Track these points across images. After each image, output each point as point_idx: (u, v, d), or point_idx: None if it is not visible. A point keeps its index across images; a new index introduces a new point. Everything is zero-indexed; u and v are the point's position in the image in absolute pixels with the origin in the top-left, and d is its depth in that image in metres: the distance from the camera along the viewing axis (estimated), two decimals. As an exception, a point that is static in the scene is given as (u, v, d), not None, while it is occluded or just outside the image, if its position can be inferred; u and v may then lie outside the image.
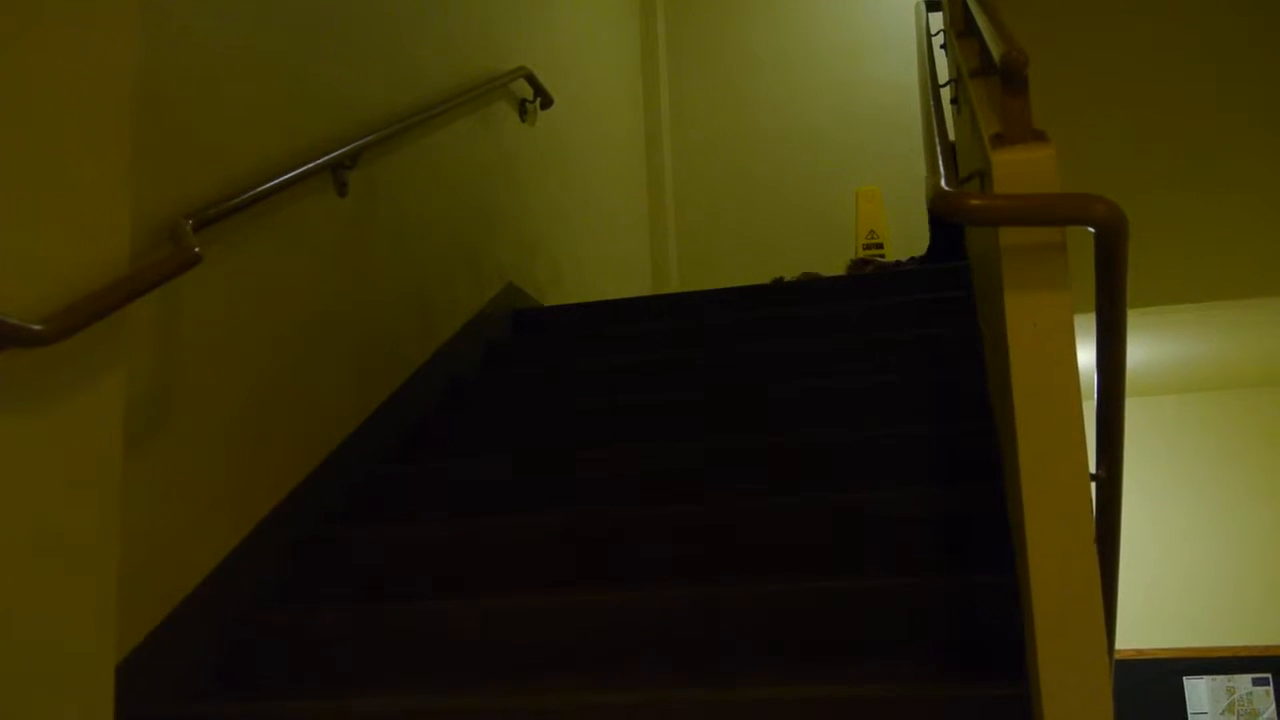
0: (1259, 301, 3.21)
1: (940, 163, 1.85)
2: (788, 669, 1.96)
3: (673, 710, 1.77)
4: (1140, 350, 4.27)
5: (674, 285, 6.05)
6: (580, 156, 5.01)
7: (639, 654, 2.04)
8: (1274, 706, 5.04)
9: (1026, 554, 1.43)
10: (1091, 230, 1.40)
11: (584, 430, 2.88)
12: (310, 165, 2.62)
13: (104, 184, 1.64)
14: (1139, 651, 5.18)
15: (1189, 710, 5.10)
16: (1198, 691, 5.11)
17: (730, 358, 3.10)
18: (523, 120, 4.29)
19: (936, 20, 4.03)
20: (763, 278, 4.41)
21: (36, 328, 1.48)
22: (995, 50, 1.63)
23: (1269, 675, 5.07)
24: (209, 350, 2.28)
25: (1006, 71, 1.55)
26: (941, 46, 3.66)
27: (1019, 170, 1.49)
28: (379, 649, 2.16)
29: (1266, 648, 5.10)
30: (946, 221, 4.26)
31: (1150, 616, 5.21)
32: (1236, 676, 5.09)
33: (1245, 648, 5.12)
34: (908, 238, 5.44)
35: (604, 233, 5.28)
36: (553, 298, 4.39)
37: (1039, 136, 1.51)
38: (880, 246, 5.32)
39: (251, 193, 2.37)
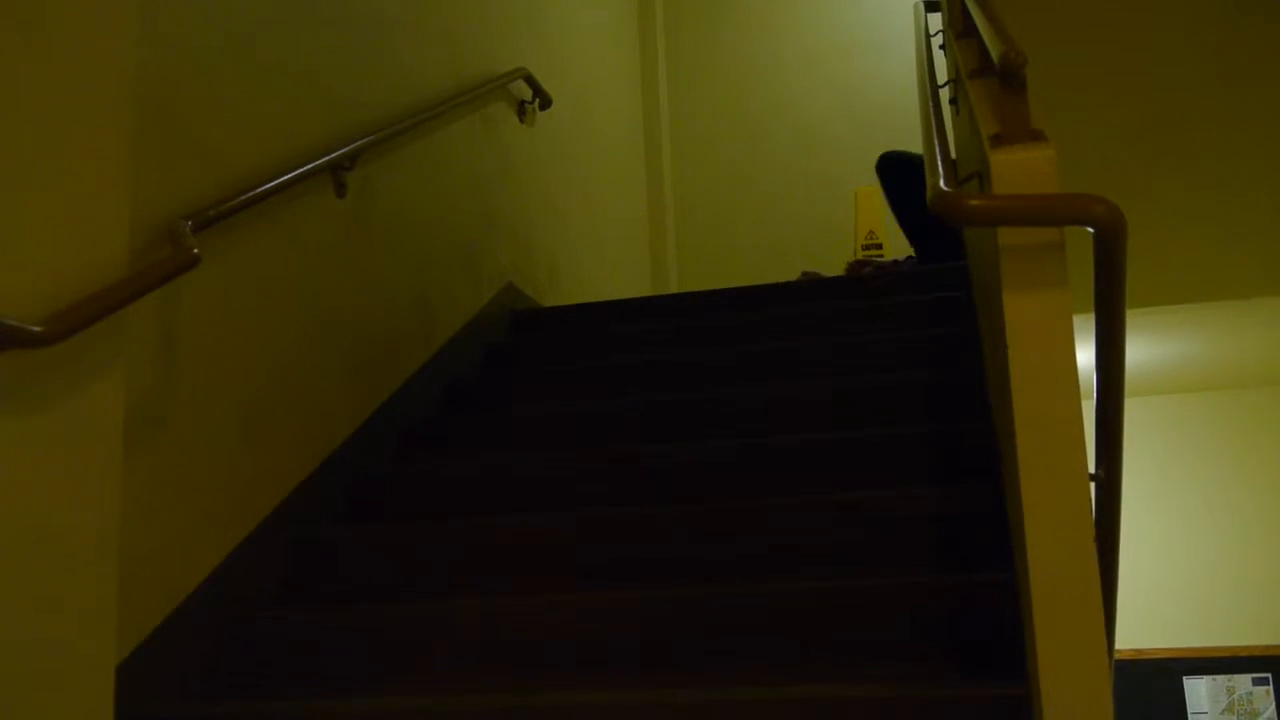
0: (1259, 301, 3.21)
1: (939, 163, 1.85)
2: (787, 669, 1.96)
3: (673, 710, 1.77)
4: (1139, 350, 4.27)
5: (673, 286, 6.05)
6: (579, 157, 5.01)
7: (639, 654, 2.04)
8: (1274, 706, 5.04)
9: (1026, 554, 1.43)
10: (1090, 230, 1.40)
11: (584, 431, 2.88)
12: (309, 166, 2.62)
13: (103, 185, 1.64)
14: (1139, 651, 5.18)
15: (1189, 710, 5.10)
16: (1197, 691, 5.11)
17: (732, 358, 3.10)
18: (521, 121, 4.29)
19: (935, 21, 4.03)
20: (762, 278, 4.41)
21: (36, 329, 1.48)
22: (994, 50, 1.63)
23: (1269, 675, 5.08)
24: (208, 351, 2.28)
25: (1005, 72, 1.56)
26: (940, 47, 3.66)
27: (1018, 170, 1.49)
28: (379, 649, 2.16)
29: (1266, 647, 5.10)
30: (936, 221, 4.26)
31: (1150, 616, 5.21)
32: (1236, 676, 5.09)
33: (1245, 647, 5.12)
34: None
35: (603, 233, 5.29)
36: (551, 298, 4.39)
37: (1038, 137, 1.51)
38: (879, 247, 5.32)
39: (250, 194, 2.37)
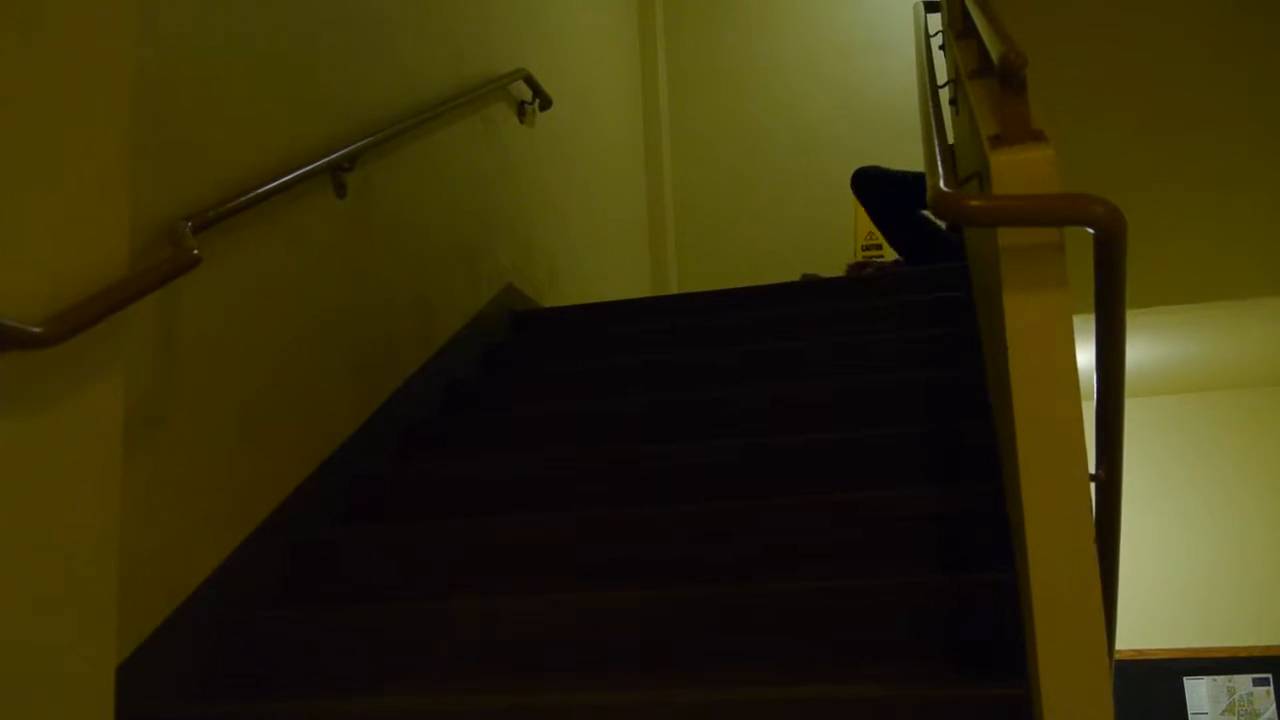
0: (1259, 301, 3.20)
1: (939, 164, 1.85)
2: (787, 669, 1.96)
3: (673, 710, 1.77)
4: (1139, 350, 4.27)
5: (673, 287, 6.05)
6: (579, 158, 5.01)
7: (639, 654, 2.04)
8: (1274, 707, 5.04)
9: (1026, 554, 1.43)
10: (1090, 231, 1.40)
11: (584, 431, 2.88)
12: (309, 167, 2.62)
13: (103, 185, 1.64)
14: (1139, 652, 5.18)
15: (1189, 710, 5.10)
16: (1198, 692, 5.11)
17: (732, 358, 3.10)
18: (521, 122, 4.29)
19: (935, 21, 4.03)
20: (763, 279, 4.40)
21: (36, 330, 1.48)
22: (993, 51, 1.63)
23: (1269, 675, 5.07)
24: (208, 351, 2.28)
25: (1005, 72, 1.56)
26: (940, 47, 3.66)
27: (1017, 171, 1.49)
28: (379, 649, 2.16)
29: (1267, 648, 5.10)
30: (919, 230, 4.30)
31: (1150, 617, 5.21)
32: (1237, 677, 5.09)
33: (1245, 648, 5.12)
34: (907, 238, 5.42)
35: (603, 234, 5.28)
36: (551, 299, 4.39)
37: (1037, 137, 1.51)
38: (879, 248, 5.32)
39: (250, 195, 2.37)
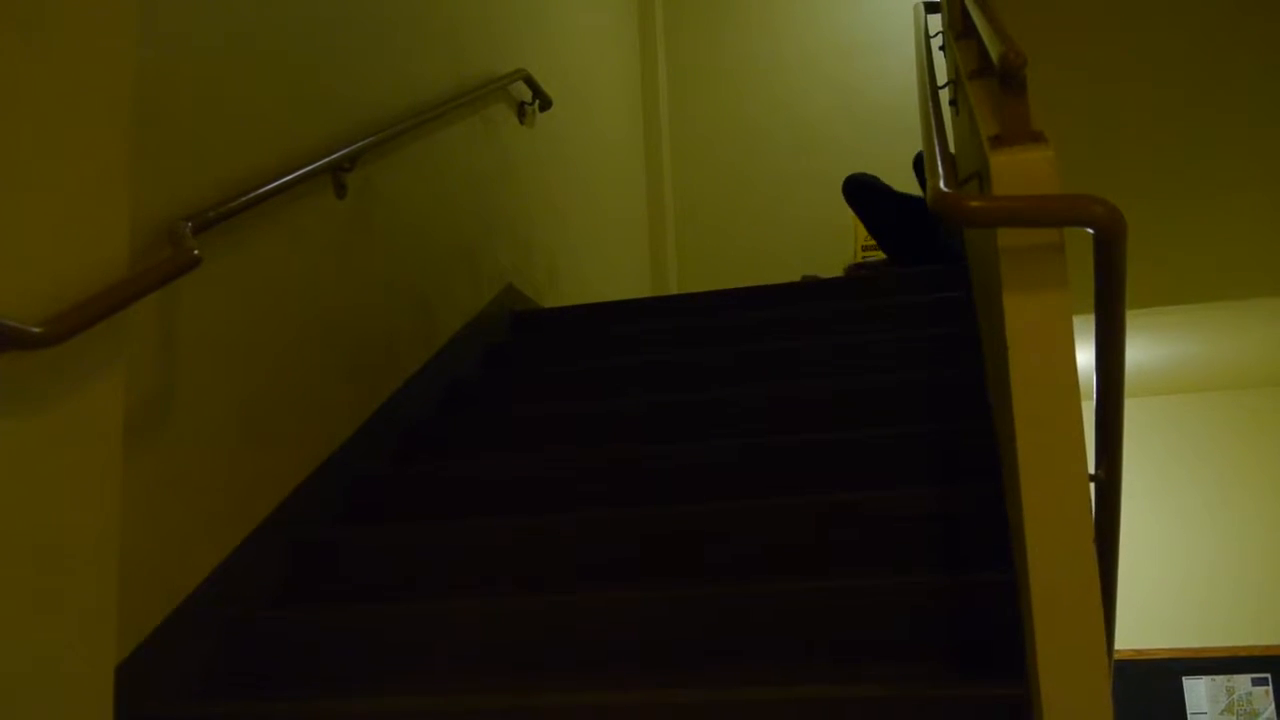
0: (1258, 302, 3.21)
1: (939, 164, 1.85)
2: (787, 669, 1.96)
3: (673, 710, 1.77)
4: (1139, 351, 4.27)
5: (673, 287, 6.05)
6: (579, 158, 5.01)
7: (639, 654, 2.04)
8: (1273, 706, 5.04)
9: (1026, 554, 1.43)
10: (1090, 231, 1.40)
11: (584, 431, 2.88)
12: (309, 168, 2.62)
13: (103, 185, 1.64)
14: (1138, 652, 5.18)
15: (1188, 710, 5.10)
16: (1197, 692, 5.12)
17: (732, 358, 3.10)
18: (521, 122, 4.29)
19: (935, 22, 4.03)
20: (763, 279, 4.40)
21: (36, 330, 1.48)
22: (993, 51, 1.63)
23: (1268, 675, 5.08)
24: (209, 352, 2.28)
25: (1005, 73, 1.56)
26: (940, 48, 3.66)
27: (1017, 171, 1.49)
28: (380, 649, 2.16)
29: (1266, 648, 5.10)
30: (911, 234, 4.33)
31: (1149, 617, 5.21)
32: (1236, 676, 5.10)
33: (1244, 648, 5.12)
34: (907, 239, 5.42)
35: (603, 234, 5.29)
36: (551, 299, 4.39)
37: (1037, 138, 1.51)
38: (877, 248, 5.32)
39: (250, 195, 2.37)
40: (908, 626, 1.95)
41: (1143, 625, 5.19)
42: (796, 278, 4.71)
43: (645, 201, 6.14)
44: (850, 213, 5.62)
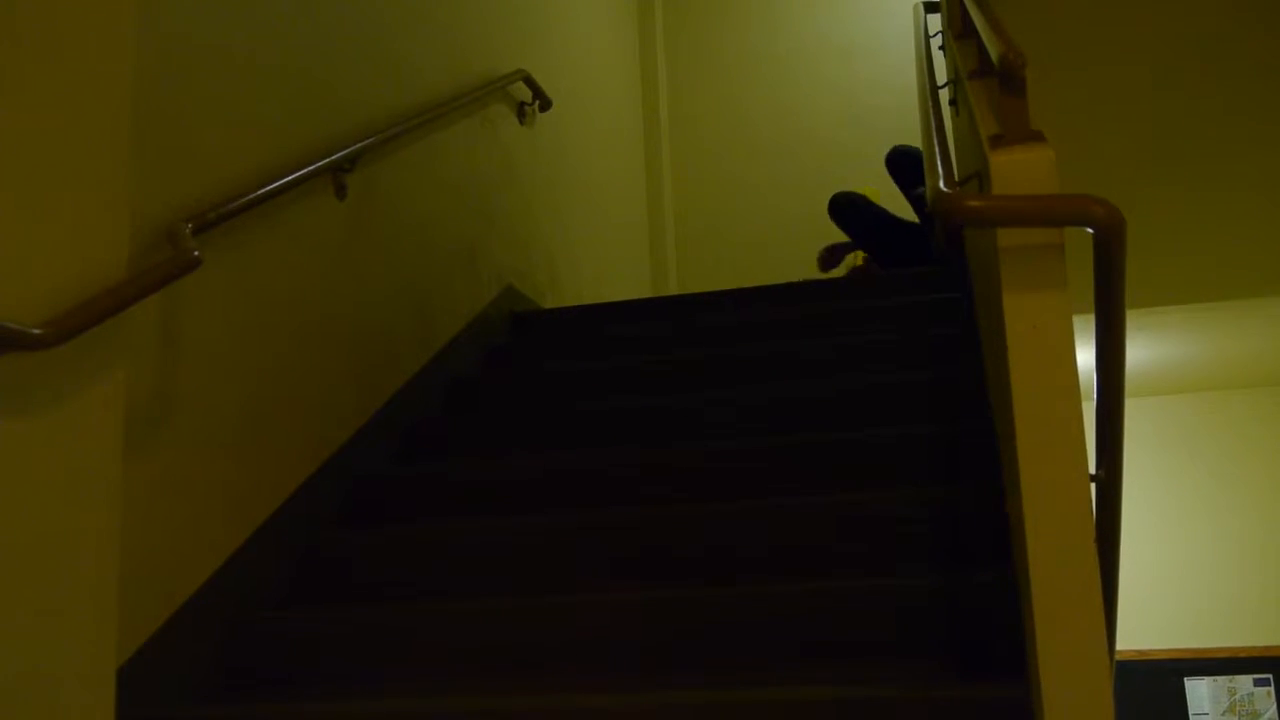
0: (1259, 302, 3.21)
1: (939, 164, 1.85)
2: (786, 669, 1.96)
3: (673, 711, 1.77)
4: (1139, 351, 4.27)
5: (673, 288, 6.05)
6: (579, 159, 5.01)
7: (640, 655, 2.04)
8: (1275, 707, 5.04)
9: (1026, 554, 1.43)
10: (1090, 231, 1.40)
11: (585, 431, 2.88)
12: (309, 168, 2.62)
13: (103, 187, 1.64)
14: (1140, 652, 5.18)
15: (1190, 711, 5.10)
16: (1199, 692, 5.11)
17: (732, 358, 3.10)
18: (521, 123, 4.29)
19: (935, 22, 4.03)
20: (763, 280, 4.40)
21: (36, 331, 1.48)
22: (993, 51, 1.63)
23: (1270, 676, 5.07)
24: (209, 353, 2.28)
25: (1004, 72, 1.56)
26: (940, 48, 3.67)
27: (1017, 171, 1.49)
28: (380, 651, 2.16)
29: (1267, 648, 5.10)
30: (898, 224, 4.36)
31: (1151, 617, 5.21)
32: (1237, 677, 5.09)
33: (1246, 648, 5.12)
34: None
35: (602, 235, 5.29)
36: (551, 300, 4.39)
37: (1037, 137, 1.51)
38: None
39: (250, 196, 2.37)
40: (908, 626, 1.95)
41: (1144, 626, 5.19)
42: (797, 277, 4.70)
43: (645, 202, 6.14)
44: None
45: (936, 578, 2.00)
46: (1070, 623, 1.37)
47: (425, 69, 3.47)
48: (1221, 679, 5.10)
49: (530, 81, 4.29)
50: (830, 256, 4.62)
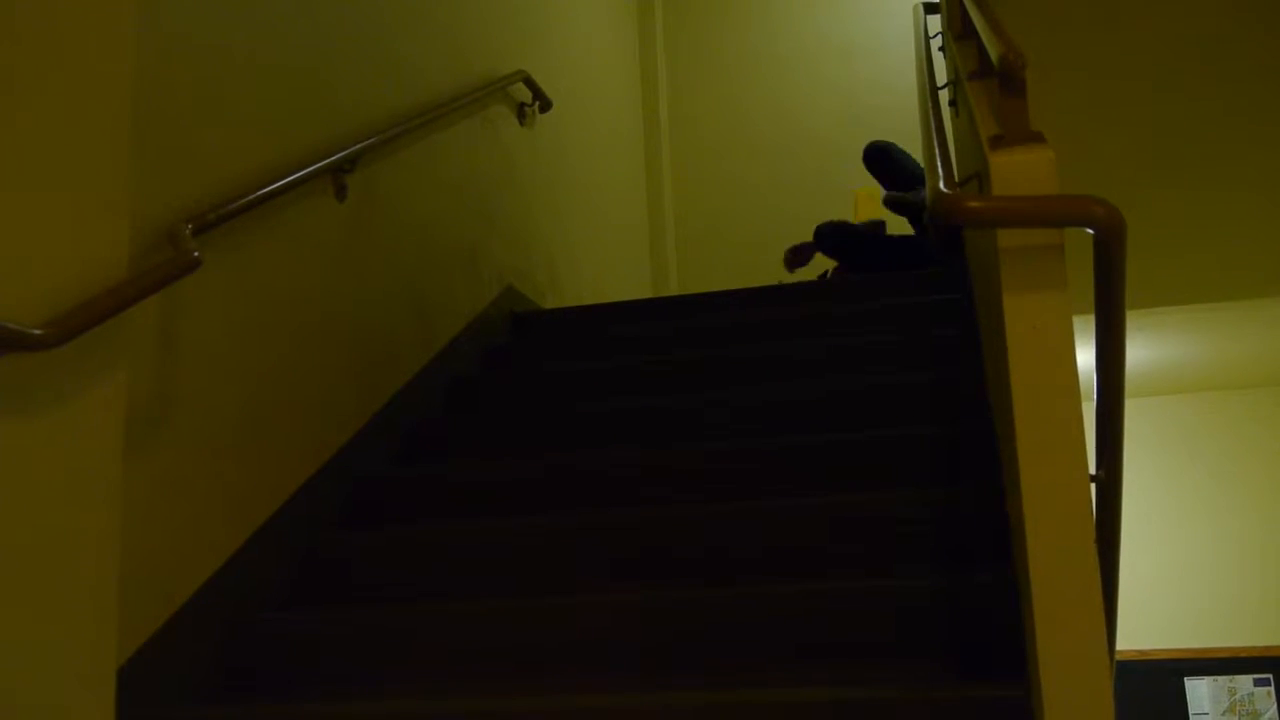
0: (1259, 303, 3.21)
1: (939, 165, 1.85)
2: (786, 670, 1.96)
3: (673, 712, 1.77)
4: (1139, 351, 4.27)
5: (673, 288, 6.05)
6: (579, 160, 5.02)
7: (640, 656, 2.04)
8: (1275, 707, 5.04)
9: (1026, 554, 1.43)
10: (1090, 232, 1.40)
11: (585, 432, 2.88)
12: (309, 169, 2.62)
13: (103, 188, 1.64)
14: (1140, 652, 5.18)
15: (1190, 711, 5.10)
16: (1199, 692, 5.11)
17: (732, 359, 3.10)
18: (521, 123, 4.30)
19: (935, 23, 4.03)
20: (763, 280, 4.41)
21: (36, 332, 1.49)
22: (993, 52, 1.63)
23: (1270, 676, 5.07)
24: (209, 353, 2.28)
25: (1004, 73, 1.56)
26: (940, 49, 3.67)
27: (1017, 172, 1.49)
28: (380, 652, 2.16)
29: (1267, 648, 5.10)
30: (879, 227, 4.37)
31: (1151, 617, 5.21)
32: (1238, 677, 5.09)
33: (1246, 648, 5.12)
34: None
35: (603, 236, 5.29)
36: (552, 300, 4.40)
37: (1037, 138, 1.52)
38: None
39: (251, 197, 2.37)
40: (908, 626, 1.95)
41: (1144, 626, 5.19)
42: (796, 278, 4.71)
43: (645, 202, 6.15)
44: (850, 214, 5.62)
45: (937, 578, 2.00)
46: (1070, 623, 1.37)
47: (426, 69, 3.47)
48: (1222, 679, 5.10)
49: (530, 82, 4.29)
50: (796, 257, 4.58)
